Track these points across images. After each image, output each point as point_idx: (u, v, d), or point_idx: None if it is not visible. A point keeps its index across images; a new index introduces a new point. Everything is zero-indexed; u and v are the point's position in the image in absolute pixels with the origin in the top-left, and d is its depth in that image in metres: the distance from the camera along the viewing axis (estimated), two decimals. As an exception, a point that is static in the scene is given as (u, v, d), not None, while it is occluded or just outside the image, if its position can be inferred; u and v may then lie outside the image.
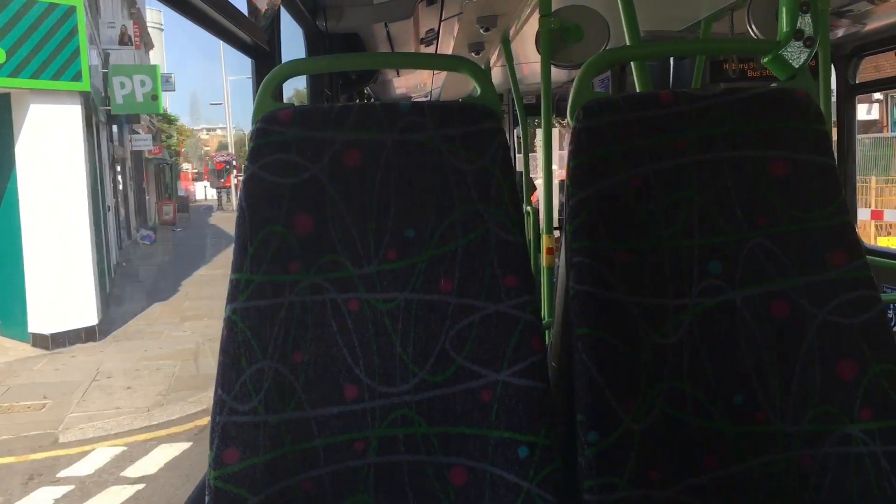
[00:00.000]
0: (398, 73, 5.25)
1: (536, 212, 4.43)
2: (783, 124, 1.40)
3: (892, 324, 3.42)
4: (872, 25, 3.43)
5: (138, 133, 22.06)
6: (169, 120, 32.92)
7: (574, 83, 1.47)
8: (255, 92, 1.48)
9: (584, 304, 1.36)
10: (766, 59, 1.44)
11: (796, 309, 1.36)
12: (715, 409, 1.35)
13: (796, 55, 1.41)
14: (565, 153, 1.54)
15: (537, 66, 3.06)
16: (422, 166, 1.42)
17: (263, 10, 2.22)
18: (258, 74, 2.22)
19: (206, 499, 1.33)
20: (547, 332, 2.66)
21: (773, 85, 1.46)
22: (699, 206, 1.40)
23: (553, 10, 2.95)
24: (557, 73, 3.21)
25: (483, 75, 1.50)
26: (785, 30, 1.40)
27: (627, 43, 2.30)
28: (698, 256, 1.39)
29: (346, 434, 1.38)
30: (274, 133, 1.42)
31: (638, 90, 1.99)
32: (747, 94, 1.43)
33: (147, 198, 28.00)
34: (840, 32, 3.57)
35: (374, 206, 1.42)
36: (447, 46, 4.49)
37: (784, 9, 1.40)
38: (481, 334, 1.38)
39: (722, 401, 1.35)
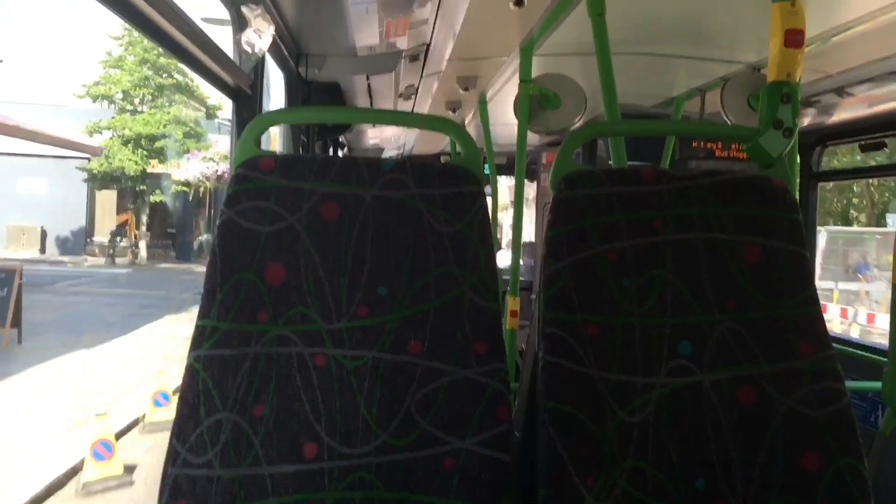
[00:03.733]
0: (373, 125, 5.28)
1: (501, 273, 4.43)
2: (759, 211, 1.42)
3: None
4: (837, 117, 3.55)
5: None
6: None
7: (557, 153, 1.48)
8: (233, 133, 1.47)
9: (554, 376, 1.35)
10: (745, 147, 1.47)
11: (763, 396, 1.36)
12: (677, 493, 1.33)
13: (775, 144, 1.45)
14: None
15: (511, 128, 3.10)
16: (400, 224, 1.41)
17: (250, 54, 2.23)
18: (238, 116, 2.21)
19: None
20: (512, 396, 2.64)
21: (744, 168, 1.49)
22: (672, 285, 1.40)
23: (533, 76, 3.00)
24: (530, 137, 3.25)
25: (468, 139, 1.51)
26: (765, 119, 1.44)
27: (604, 115, 2.34)
28: (669, 335, 1.39)
29: (302, 494, 1.34)
30: (254, 180, 1.40)
31: (612, 164, 2.01)
32: (726, 179, 1.45)
33: None
34: (806, 121, 3.68)
35: (348, 260, 1.40)
36: (425, 102, 4.54)
37: (765, 98, 1.44)
38: (448, 399, 1.35)
39: (684, 485, 1.34)
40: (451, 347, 1.37)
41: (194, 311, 1.41)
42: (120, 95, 25.05)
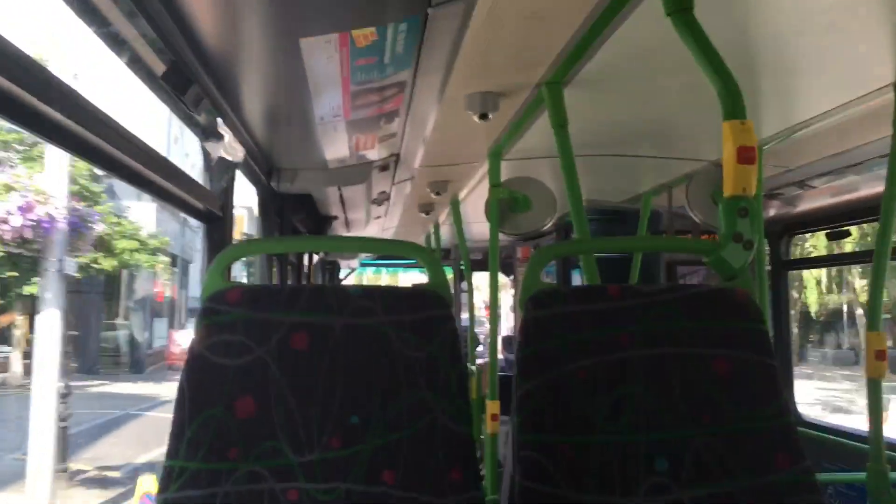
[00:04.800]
0: (348, 228, 5.33)
1: (481, 372, 4.40)
2: (725, 323, 1.43)
3: (834, 502, 3.41)
4: (804, 206, 3.63)
5: None
6: None
7: (524, 273, 1.49)
8: (205, 258, 1.47)
9: (530, 501, 1.32)
10: (707, 261, 1.49)
11: None
12: None
13: (736, 257, 1.47)
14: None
15: (485, 225, 3.13)
16: (370, 352, 1.40)
17: (220, 175, 2.25)
18: (210, 239, 2.22)
19: None
20: None
21: (714, 284, 1.51)
22: (645, 401, 1.39)
23: (503, 180, 3.05)
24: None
25: (434, 263, 1.52)
26: (725, 233, 1.46)
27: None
28: (644, 453, 1.37)
29: None
30: (222, 313, 1.40)
31: (585, 282, 2.03)
32: (690, 292, 1.47)
33: None
34: (772, 212, 3.76)
35: (319, 390, 1.38)
36: (398, 206, 4.59)
37: (723, 213, 1.47)
38: None
39: None
40: (426, 477, 1.35)
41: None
42: None
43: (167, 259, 19.71)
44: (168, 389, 16.05)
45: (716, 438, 1.37)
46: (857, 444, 3.12)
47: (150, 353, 21.16)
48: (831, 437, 3.43)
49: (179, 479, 1.31)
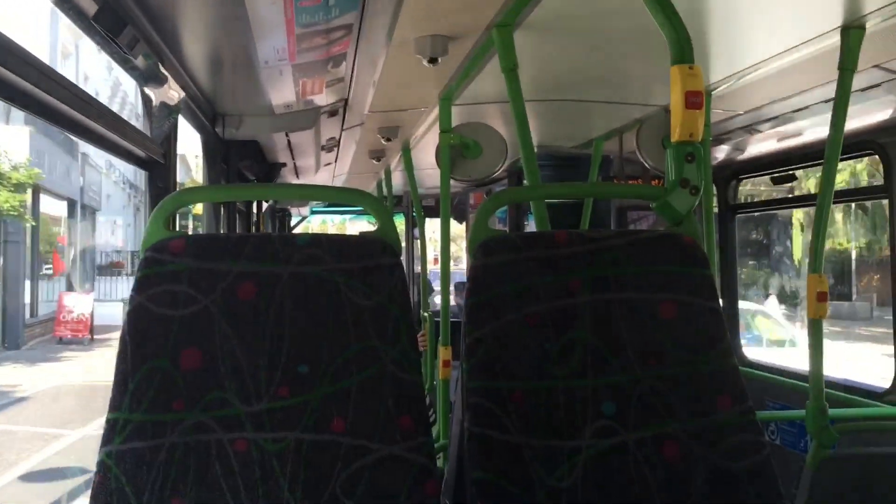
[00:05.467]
0: (297, 175, 5.24)
1: (433, 318, 4.41)
2: (671, 268, 1.44)
3: (775, 438, 3.54)
4: (750, 152, 3.68)
5: None
6: None
7: (473, 220, 1.48)
8: (148, 207, 1.43)
9: (480, 447, 1.34)
10: (654, 206, 1.49)
11: (686, 452, 1.37)
12: None
13: (683, 202, 1.47)
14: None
15: (436, 172, 3.10)
16: (318, 300, 1.39)
17: (161, 121, 2.18)
18: (152, 187, 2.15)
19: None
20: (443, 453, 2.62)
21: (662, 229, 1.52)
22: (593, 345, 1.41)
23: (453, 125, 3.02)
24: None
25: (382, 211, 1.50)
26: (672, 178, 1.47)
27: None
28: (592, 397, 1.39)
29: None
30: (165, 262, 1.36)
31: (536, 228, 2.03)
32: (637, 238, 1.47)
33: None
34: (720, 156, 3.80)
35: (266, 340, 1.37)
36: (348, 153, 4.53)
37: (671, 158, 1.47)
38: (374, 478, 1.32)
39: None
40: (375, 424, 1.35)
41: None
42: None
43: (62, 206, 17.12)
44: (44, 374, 12.33)
45: (661, 381, 1.40)
46: (799, 382, 3.23)
47: (33, 322, 16.62)
48: (775, 376, 3.53)
49: (124, 432, 1.30)
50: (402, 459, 1.33)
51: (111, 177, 27.23)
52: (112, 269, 23.90)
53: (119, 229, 29.27)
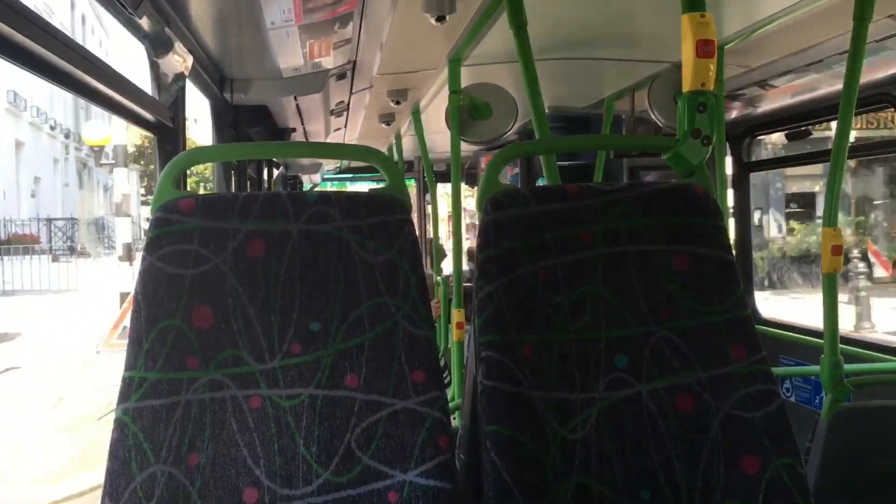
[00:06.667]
0: (307, 141, 5.22)
1: (447, 282, 4.42)
2: (684, 219, 1.44)
3: (790, 395, 3.54)
4: (764, 108, 3.63)
5: None
6: None
7: (482, 175, 1.48)
8: (157, 169, 1.43)
9: (492, 400, 1.34)
10: (665, 157, 1.48)
11: (700, 403, 1.37)
12: None
13: (695, 153, 1.46)
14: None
15: (447, 136, 3.09)
16: (328, 258, 1.39)
17: (170, 85, 2.17)
18: (161, 151, 2.16)
19: None
20: (458, 412, 2.63)
21: (674, 181, 1.50)
22: (605, 299, 1.41)
23: (463, 86, 2.99)
24: (467, 144, 3.25)
25: (392, 167, 1.50)
26: (683, 129, 1.45)
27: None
28: (605, 349, 1.39)
29: None
30: (175, 223, 1.37)
31: (546, 182, 2.02)
32: (649, 190, 1.46)
33: None
34: (734, 113, 3.75)
35: (277, 298, 1.38)
36: (357, 117, 4.50)
37: (682, 109, 1.45)
38: (388, 432, 1.34)
39: (629, 497, 1.34)
40: (388, 379, 1.36)
41: None
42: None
43: None
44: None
45: (675, 333, 1.40)
46: (814, 339, 3.22)
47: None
48: (789, 333, 3.52)
49: (140, 390, 1.31)
50: (416, 413, 1.34)
51: (24, 117, 21.15)
52: (15, 244, 18.50)
53: (41, 189, 22.97)
